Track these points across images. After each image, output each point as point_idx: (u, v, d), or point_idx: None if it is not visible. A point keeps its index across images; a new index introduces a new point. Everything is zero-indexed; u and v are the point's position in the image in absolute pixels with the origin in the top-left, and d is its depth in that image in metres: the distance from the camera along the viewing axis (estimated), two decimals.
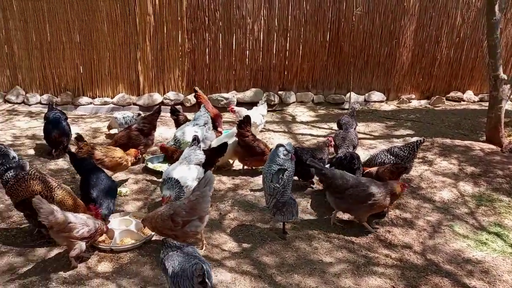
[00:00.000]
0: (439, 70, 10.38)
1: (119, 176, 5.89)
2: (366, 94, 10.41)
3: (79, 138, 5.71)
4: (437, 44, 10.12)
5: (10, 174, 4.45)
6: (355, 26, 9.74)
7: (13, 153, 4.74)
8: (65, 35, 9.18)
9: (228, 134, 6.70)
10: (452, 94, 10.57)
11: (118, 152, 5.65)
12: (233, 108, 7.91)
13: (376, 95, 10.40)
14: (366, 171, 5.43)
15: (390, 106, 10.30)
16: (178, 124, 7.03)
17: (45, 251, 4.28)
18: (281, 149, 4.36)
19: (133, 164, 5.94)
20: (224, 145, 5.80)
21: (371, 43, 9.99)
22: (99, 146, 5.77)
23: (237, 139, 6.26)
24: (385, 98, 10.46)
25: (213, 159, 5.67)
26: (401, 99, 10.47)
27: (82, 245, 3.96)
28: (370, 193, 4.56)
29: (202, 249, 4.33)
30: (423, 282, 4.02)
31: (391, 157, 5.58)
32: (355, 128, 6.67)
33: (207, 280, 3.12)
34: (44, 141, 6.75)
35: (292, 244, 4.53)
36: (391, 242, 4.66)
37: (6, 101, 9.54)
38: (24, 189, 4.32)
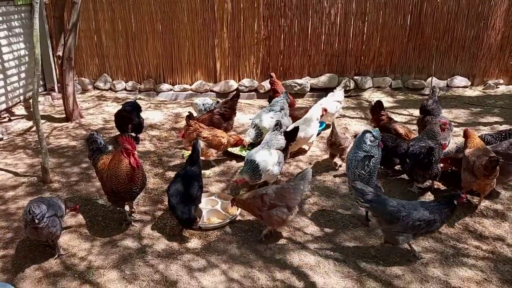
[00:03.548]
0: None
1: (202, 158, 6.15)
2: (448, 79, 9.89)
3: (190, 116, 6.04)
4: None
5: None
6: (439, 8, 9.25)
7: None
8: (148, 25, 9.65)
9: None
10: None
11: (221, 133, 6.02)
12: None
13: (459, 80, 9.84)
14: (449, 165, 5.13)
15: (475, 91, 9.70)
16: None
17: (139, 227, 4.61)
18: (367, 135, 4.29)
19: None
20: (295, 130, 5.81)
21: (456, 25, 9.44)
22: (205, 126, 6.07)
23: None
24: (469, 83, 9.88)
25: (286, 144, 5.70)
26: (487, 84, 9.82)
27: None
28: None
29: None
30: None
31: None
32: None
33: None
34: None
35: (375, 231, 4.48)
36: (481, 234, 4.44)
37: (95, 87, 10.28)
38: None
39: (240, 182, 5.15)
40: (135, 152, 4.27)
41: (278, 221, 4.22)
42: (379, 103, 6.46)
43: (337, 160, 6.06)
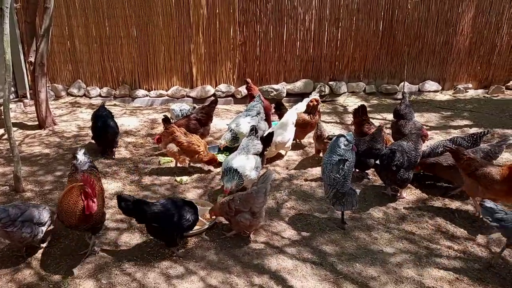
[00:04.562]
0: (499, 58, 9.99)
1: (178, 164, 6.13)
2: (420, 84, 10.17)
3: (166, 119, 5.99)
4: (497, 31, 9.70)
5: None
6: (410, 14, 9.51)
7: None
8: (123, 30, 9.56)
9: (277, 125, 6.75)
10: None
11: (198, 142, 5.88)
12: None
13: (430, 85, 10.13)
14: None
15: (445, 96, 9.99)
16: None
17: (115, 235, 4.56)
18: (342, 139, 4.38)
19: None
20: (270, 135, 5.86)
21: (426, 31, 9.73)
22: (183, 130, 5.99)
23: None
24: (440, 87, 10.18)
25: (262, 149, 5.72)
26: (457, 88, 10.14)
27: None
28: None
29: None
30: (489, 276, 3.94)
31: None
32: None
33: None
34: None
35: (351, 234, 4.56)
36: (453, 234, 4.58)
37: (69, 94, 10.10)
38: None
39: (229, 191, 5.07)
40: (94, 199, 3.82)
41: (244, 226, 4.34)
42: (362, 107, 6.55)
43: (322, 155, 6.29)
